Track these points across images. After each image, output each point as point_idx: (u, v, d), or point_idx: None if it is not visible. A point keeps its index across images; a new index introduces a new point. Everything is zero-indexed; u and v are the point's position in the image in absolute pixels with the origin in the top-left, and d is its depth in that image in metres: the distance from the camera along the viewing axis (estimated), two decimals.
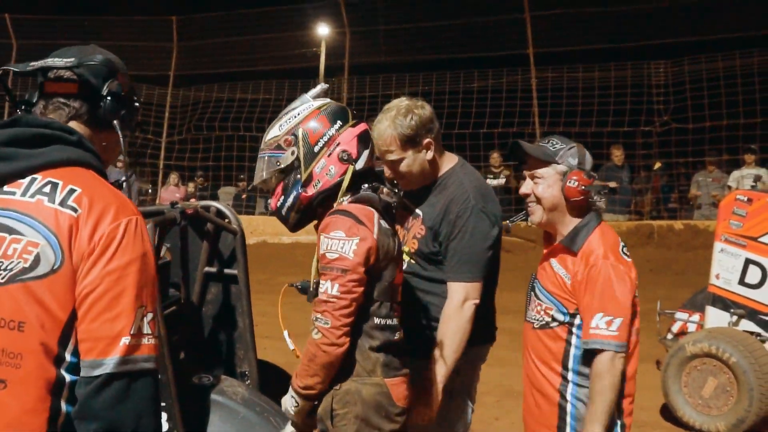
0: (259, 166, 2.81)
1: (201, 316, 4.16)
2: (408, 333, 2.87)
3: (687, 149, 13.93)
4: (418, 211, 3.27)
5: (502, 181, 13.99)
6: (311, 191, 2.72)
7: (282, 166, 2.75)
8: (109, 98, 1.82)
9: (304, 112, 2.75)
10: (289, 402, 2.78)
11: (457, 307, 3.17)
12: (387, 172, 3.23)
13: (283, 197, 2.78)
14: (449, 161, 3.32)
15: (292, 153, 2.72)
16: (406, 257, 3.22)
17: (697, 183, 13.69)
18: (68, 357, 1.64)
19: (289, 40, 17.35)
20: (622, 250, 2.82)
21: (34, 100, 1.85)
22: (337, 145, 2.69)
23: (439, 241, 3.20)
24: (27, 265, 1.64)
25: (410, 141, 3.13)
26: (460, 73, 14.77)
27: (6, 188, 1.71)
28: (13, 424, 1.61)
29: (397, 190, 2.87)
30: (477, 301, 3.18)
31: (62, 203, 1.68)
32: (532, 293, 3.00)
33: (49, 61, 1.83)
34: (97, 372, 1.61)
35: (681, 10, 14.00)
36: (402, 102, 3.22)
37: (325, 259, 2.58)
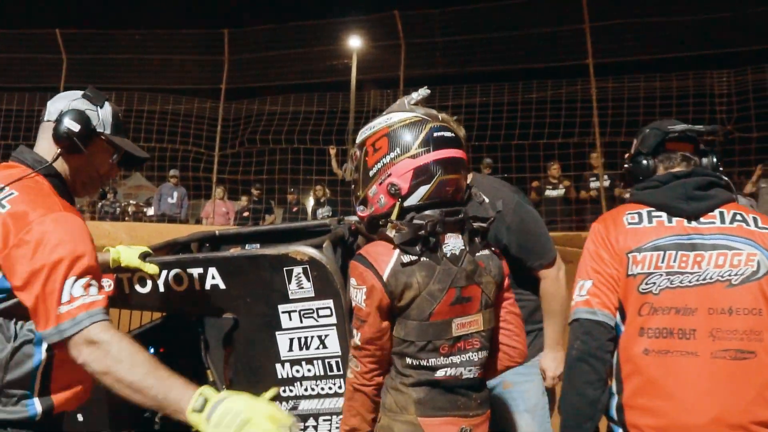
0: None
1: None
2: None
3: (750, 158, 13.77)
4: None
5: (561, 191, 13.92)
6: (365, 213, 2.61)
7: (348, 177, 2.71)
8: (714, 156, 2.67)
9: (377, 127, 2.57)
10: None
11: (554, 280, 3.60)
12: None
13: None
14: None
15: (355, 169, 2.63)
16: None
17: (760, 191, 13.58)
18: None
19: (338, 52, 17.36)
20: None
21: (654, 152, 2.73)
22: (389, 175, 2.50)
23: (503, 244, 3.45)
24: (754, 269, 2.42)
25: None
26: (519, 83, 14.66)
27: (703, 219, 2.52)
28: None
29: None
30: (563, 266, 3.66)
31: (763, 227, 2.50)
32: None
33: (691, 126, 2.68)
34: None
35: (743, 19, 13.83)
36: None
37: (352, 304, 2.54)
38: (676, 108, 13.86)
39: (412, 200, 2.48)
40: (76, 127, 2.64)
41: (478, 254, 2.56)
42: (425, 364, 2.48)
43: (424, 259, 2.46)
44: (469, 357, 2.54)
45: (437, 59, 15.86)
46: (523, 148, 14.11)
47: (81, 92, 2.76)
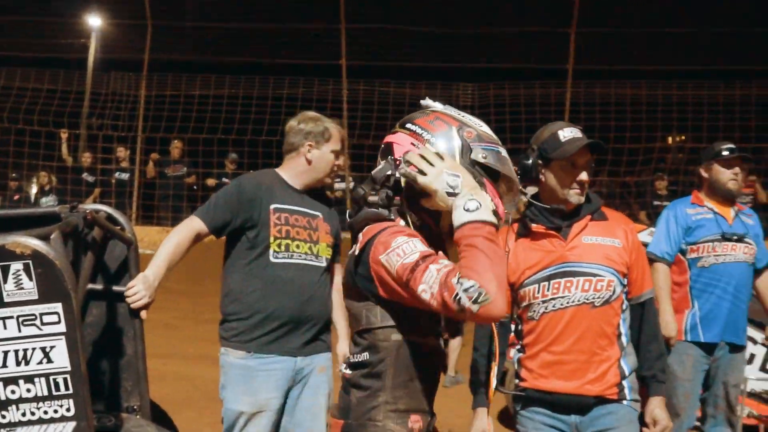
0: None
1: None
2: None
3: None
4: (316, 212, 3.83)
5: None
6: None
7: None
8: None
9: None
10: None
11: None
12: None
13: None
14: None
15: None
16: (323, 252, 3.78)
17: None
18: None
19: (77, 27, 16.10)
20: None
21: None
22: None
23: None
24: None
25: None
26: (270, 78, 14.37)
27: None
28: None
29: None
30: None
31: None
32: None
33: None
34: None
35: (492, 39, 14.65)
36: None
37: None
38: None
39: None
40: None
41: None
42: None
43: None
44: None
45: (186, 45, 15.15)
46: (271, 144, 13.74)
47: None
